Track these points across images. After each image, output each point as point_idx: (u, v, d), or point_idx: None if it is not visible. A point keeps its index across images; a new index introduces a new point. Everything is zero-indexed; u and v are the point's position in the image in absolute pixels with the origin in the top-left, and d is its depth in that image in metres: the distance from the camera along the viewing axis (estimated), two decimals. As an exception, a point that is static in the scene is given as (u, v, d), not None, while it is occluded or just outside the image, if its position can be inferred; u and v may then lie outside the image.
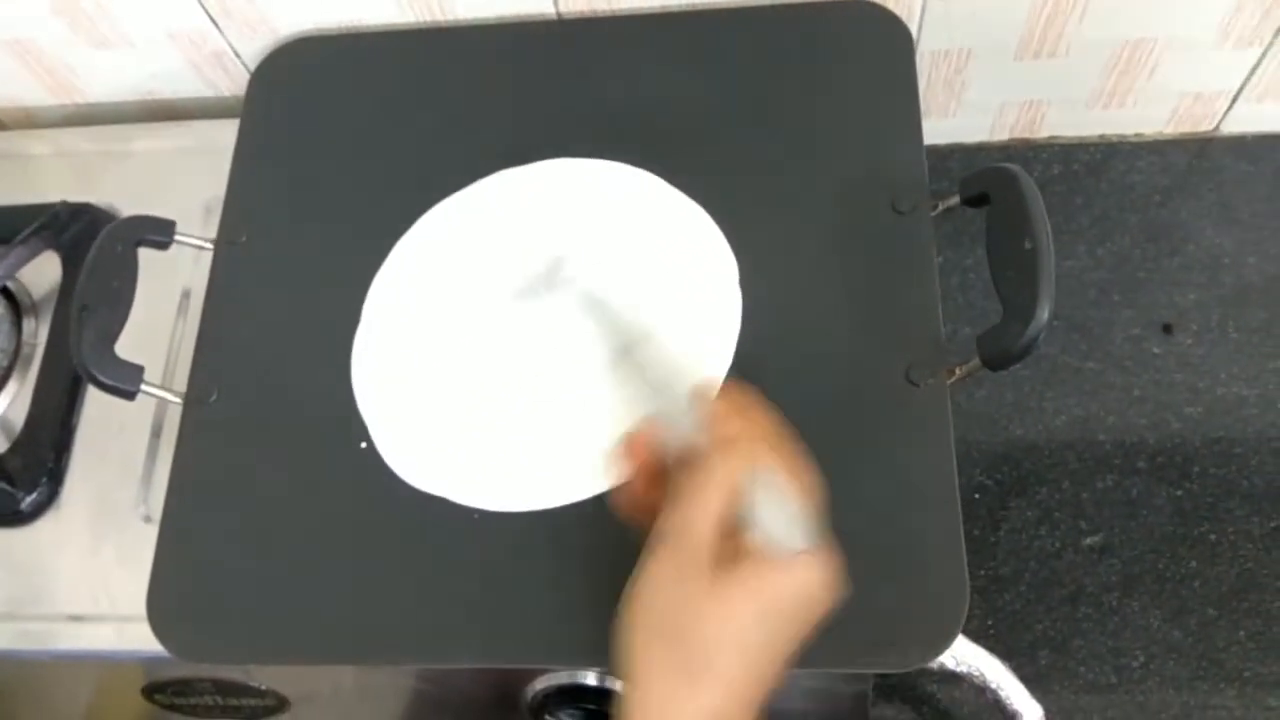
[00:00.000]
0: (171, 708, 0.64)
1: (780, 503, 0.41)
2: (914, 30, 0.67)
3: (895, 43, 0.63)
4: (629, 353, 0.51)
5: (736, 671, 0.40)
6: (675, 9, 0.68)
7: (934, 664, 0.56)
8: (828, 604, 0.42)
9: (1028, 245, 0.50)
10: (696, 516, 0.41)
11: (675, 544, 0.41)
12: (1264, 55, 0.69)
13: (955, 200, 0.56)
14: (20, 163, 0.75)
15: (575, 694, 0.55)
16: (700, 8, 0.68)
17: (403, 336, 0.59)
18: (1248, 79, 0.71)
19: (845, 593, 0.42)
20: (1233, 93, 0.72)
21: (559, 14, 0.69)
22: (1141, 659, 0.62)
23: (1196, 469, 0.66)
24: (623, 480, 0.46)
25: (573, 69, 0.67)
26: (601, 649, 0.52)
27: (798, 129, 0.61)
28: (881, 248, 0.57)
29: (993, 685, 0.56)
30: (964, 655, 0.56)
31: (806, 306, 0.57)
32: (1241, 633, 0.62)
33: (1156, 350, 0.69)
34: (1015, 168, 0.53)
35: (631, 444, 0.45)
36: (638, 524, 0.45)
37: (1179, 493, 0.65)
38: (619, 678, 0.42)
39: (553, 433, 0.55)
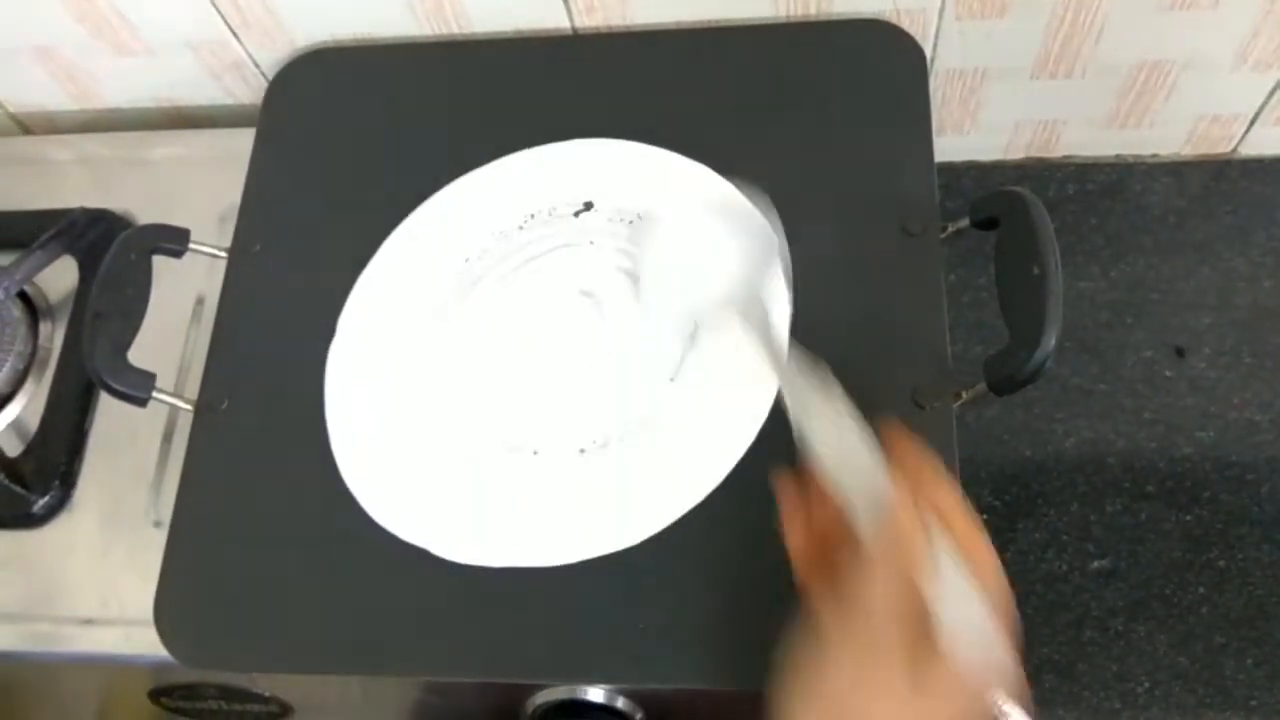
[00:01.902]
0: (177, 711, 0.65)
1: (968, 596, 0.39)
2: (928, 49, 0.67)
3: (908, 62, 0.63)
4: (805, 397, 0.45)
5: None
6: (689, 25, 0.68)
7: (935, 687, 0.56)
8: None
9: (1036, 271, 0.50)
10: (888, 600, 0.39)
11: (865, 625, 0.39)
12: (1283, 79, 0.68)
13: (965, 223, 0.56)
14: (41, 167, 0.75)
15: (575, 709, 0.55)
16: (714, 24, 0.68)
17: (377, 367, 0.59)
18: (1266, 102, 0.70)
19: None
20: (1250, 115, 0.71)
21: (574, 28, 0.70)
22: (1147, 685, 0.61)
23: (1207, 494, 0.65)
24: (793, 532, 0.43)
25: (587, 83, 0.67)
26: (600, 665, 0.52)
27: (809, 148, 0.61)
28: (890, 269, 0.57)
29: (995, 712, 0.56)
30: (966, 679, 0.56)
31: (814, 326, 0.56)
32: (1249, 661, 0.61)
33: (1168, 373, 0.69)
34: (1025, 192, 0.53)
35: (807, 493, 0.42)
36: (802, 573, 0.43)
37: (1188, 518, 0.65)
38: None
39: (542, 489, 0.54)
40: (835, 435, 0.42)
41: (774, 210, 0.53)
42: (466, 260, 0.62)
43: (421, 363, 0.59)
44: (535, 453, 0.55)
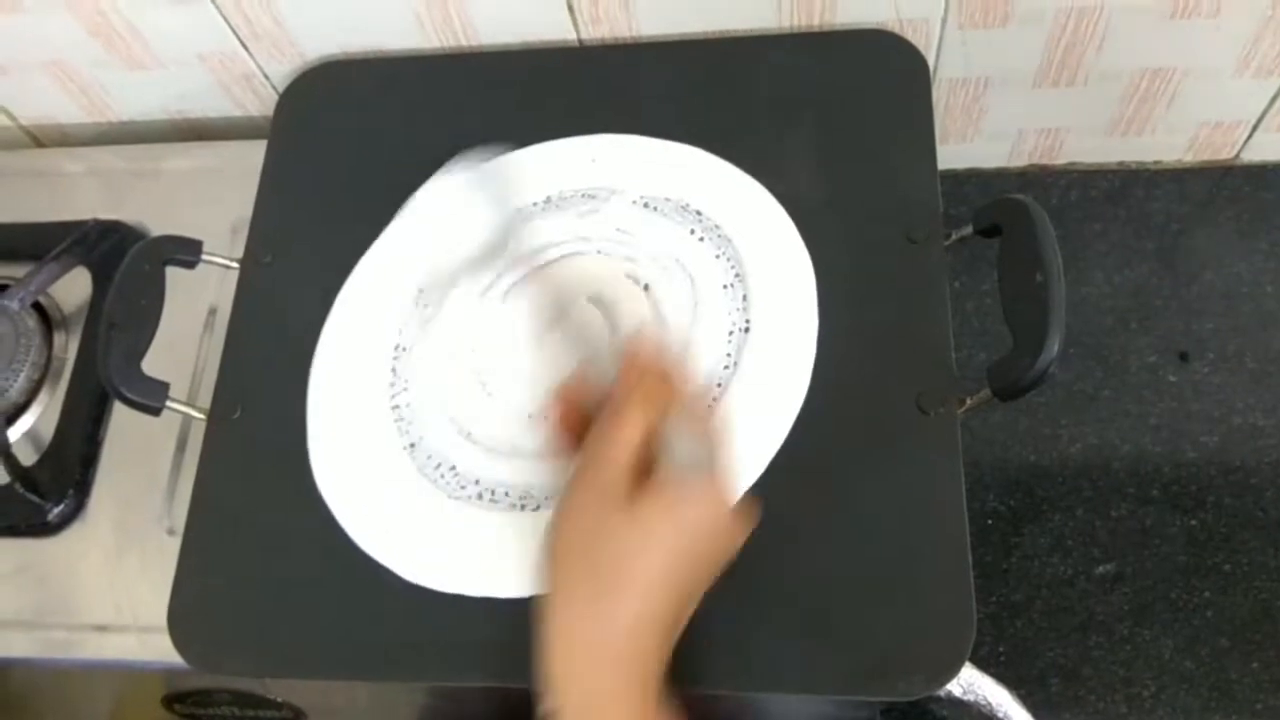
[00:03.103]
0: (190, 717, 0.65)
1: (691, 439, 0.44)
2: (931, 59, 0.68)
3: (911, 72, 0.64)
4: (565, 315, 0.53)
5: (647, 590, 0.42)
6: (695, 36, 0.69)
7: (941, 692, 0.57)
8: (737, 535, 0.45)
9: (1038, 278, 0.51)
10: (612, 447, 0.44)
11: (593, 473, 0.44)
12: (1284, 85, 0.69)
13: (969, 230, 0.57)
14: (54, 180, 0.76)
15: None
16: (719, 35, 0.68)
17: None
18: (1267, 108, 0.70)
19: (751, 525, 0.46)
20: (1252, 122, 0.72)
21: (580, 40, 0.70)
22: (1153, 689, 0.62)
23: (1211, 499, 0.66)
24: (553, 428, 0.48)
25: (594, 94, 0.68)
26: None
27: (813, 157, 0.62)
28: (894, 276, 0.58)
29: (1000, 714, 0.56)
30: (972, 684, 0.56)
31: (820, 333, 0.57)
32: (1254, 664, 0.62)
33: (1173, 379, 0.69)
34: (1028, 200, 0.53)
35: (560, 393, 0.48)
36: (560, 446, 0.48)
37: (1193, 522, 0.65)
38: (540, 605, 0.44)
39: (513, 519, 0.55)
40: (589, 320, 0.52)
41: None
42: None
43: (433, 378, 0.60)
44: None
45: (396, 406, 0.59)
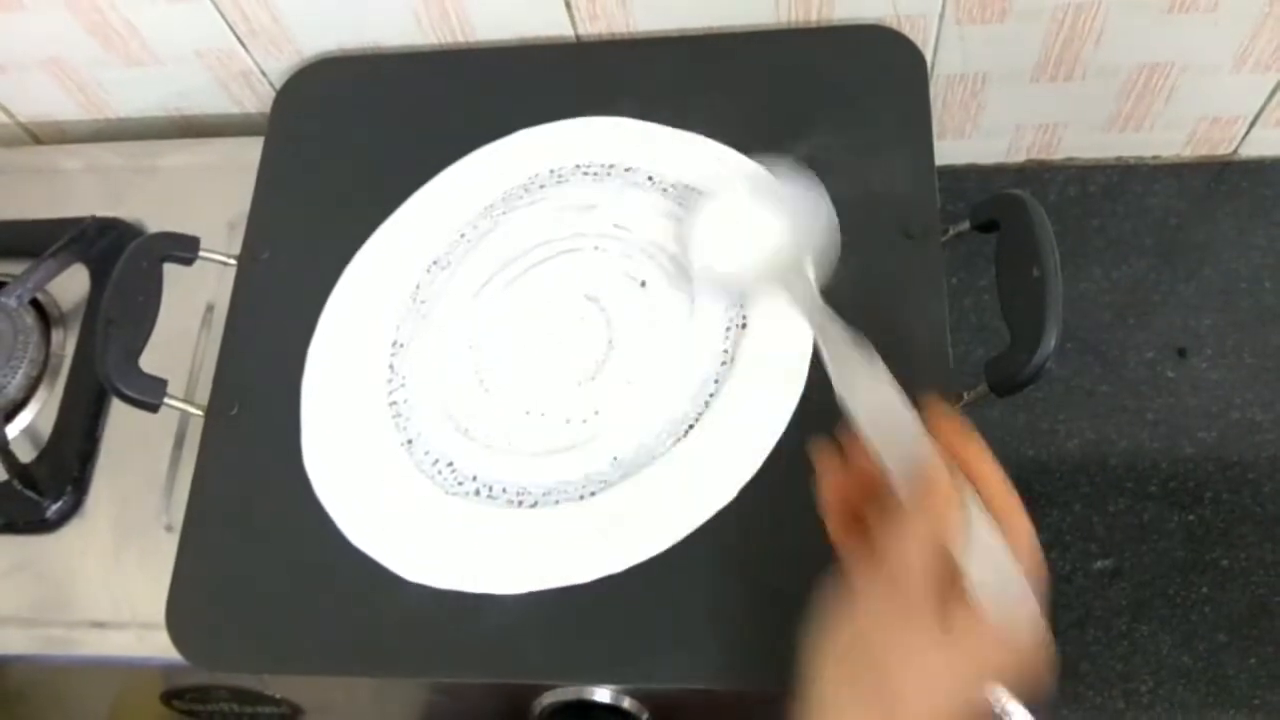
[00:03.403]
0: (189, 714, 0.65)
1: (1001, 558, 0.40)
2: (929, 54, 0.68)
3: (909, 67, 0.64)
4: (848, 364, 0.45)
5: (922, 710, 0.40)
6: (692, 32, 0.69)
7: (939, 687, 0.56)
8: (1025, 674, 0.41)
9: (1036, 273, 0.51)
10: (921, 557, 0.39)
11: (899, 581, 0.40)
12: (1282, 80, 0.69)
13: (966, 226, 0.57)
14: (52, 177, 0.76)
15: (582, 709, 0.55)
16: (716, 30, 0.68)
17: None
18: (1266, 103, 0.70)
19: (1048, 662, 0.42)
20: (1251, 117, 0.72)
21: (578, 35, 0.70)
22: (1150, 684, 0.62)
23: (1209, 494, 0.66)
24: (830, 494, 0.44)
25: (591, 89, 0.68)
26: (607, 665, 0.53)
27: (810, 152, 0.62)
28: (892, 272, 0.58)
29: (997, 709, 0.56)
30: (969, 678, 0.56)
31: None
32: (1252, 660, 0.62)
33: (1171, 374, 0.69)
34: (1025, 195, 0.53)
35: (845, 457, 0.43)
36: (836, 533, 0.44)
37: (1191, 518, 0.65)
38: (803, 697, 0.41)
39: (555, 514, 0.55)
40: (875, 400, 0.43)
41: (817, 181, 0.53)
42: (435, 262, 0.63)
43: (423, 376, 0.60)
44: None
45: (394, 403, 0.59)
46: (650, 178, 0.62)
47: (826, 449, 0.44)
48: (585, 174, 0.63)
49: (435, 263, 0.62)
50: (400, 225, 0.64)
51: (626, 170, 0.63)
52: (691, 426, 0.55)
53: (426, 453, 0.57)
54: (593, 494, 0.54)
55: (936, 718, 0.40)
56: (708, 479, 0.54)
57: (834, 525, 0.44)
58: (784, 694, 0.42)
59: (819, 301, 0.48)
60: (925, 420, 0.43)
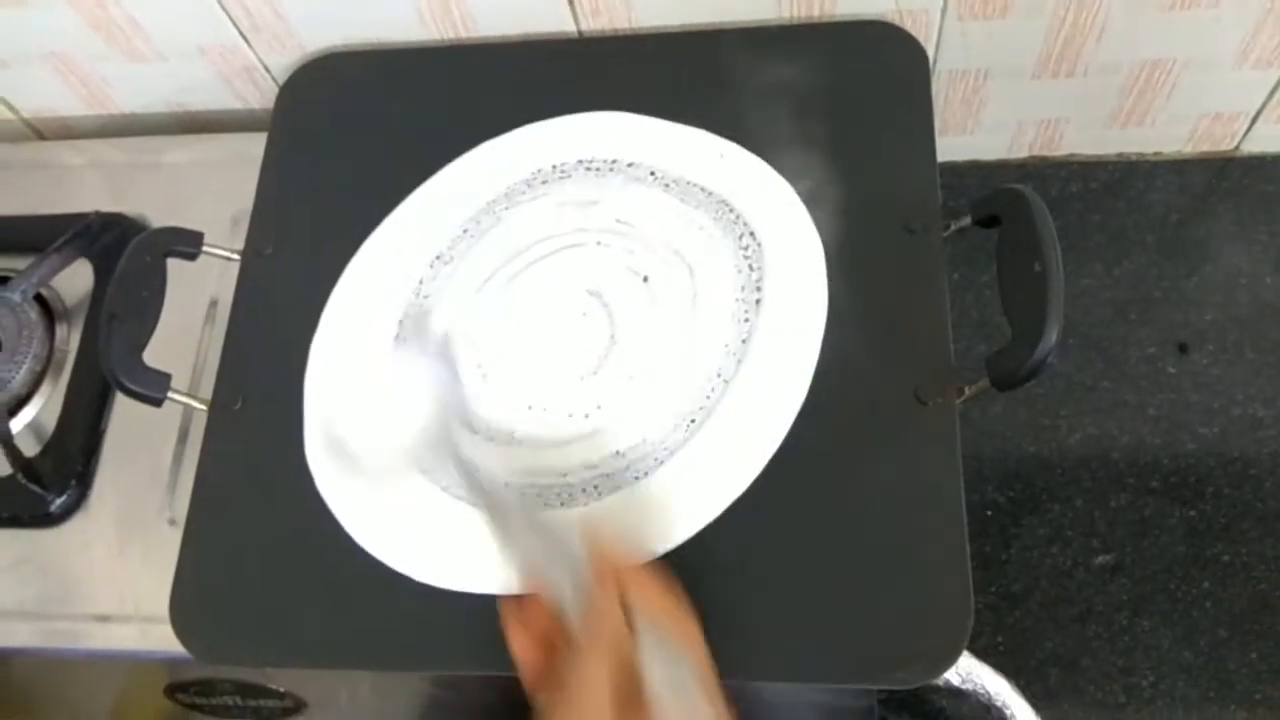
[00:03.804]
0: (193, 707, 0.65)
1: (672, 660, 0.42)
2: (931, 50, 0.68)
3: (911, 63, 0.64)
4: (504, 519, 0.49)
5: None
6: (694, 28, 0.69)
7: (940, 680, 0.57)
8: None
9: (1037, 268, 0.51)
10: (597, 679, 0.42)
11: (581, 705, 0.42)
12: (1284, 77, 0.69)
13: (967, 221, 0.57)
14: (56, 173, 0.77)
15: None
16: (719, 26, 0.69)
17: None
18: (1267, 100, 0.70)
19: None
20: (1252, 113, 0.72)
21: (580, 31, 0.70)
22: (1151, 679, 0.62)
23: (1210, 489, 0.66)
24: (518, 648, 0.46)
25: (594, 85, 0.68)
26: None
27: (812, 147, 0.62)
28: (893, 266, 0.58)
29: (998, 703, 0.57)
30: (970, 673, 0.56)
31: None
32: (1253, 654, 0.62)
33: (1172, 370, 0.69)
34: (1026, 190, 0.53)
35: (523, 611, 0.46)
36: (530, 682, 0.45)
37: (1192, 513, 0.65)
38: None
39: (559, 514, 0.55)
40: (534, 546, 0.47)
41: (448, 352, 0.57)
42: (438, 257, 0.63)
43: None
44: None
45: None
46: (652, 173, 0.62)
47: (508, 603, 0.47)
48: (588, 169, 0.64)
49: (438, 258, 0.63)
50: (403, 221, 0.64)
51: (629, 165, 0.63)
52: (694, 421, 0.55)
53: (474, 429, 0.57)
54: (600, 494, 0.54)
55: None
56: (712, 479, 0.54)
57: (526, 675, 0.46)
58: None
59: (468, 464, 0.52)
60: (586, 554, 0.45)
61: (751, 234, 0.59)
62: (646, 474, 0.54)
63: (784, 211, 0.60)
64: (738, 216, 0.60)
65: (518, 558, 0.48)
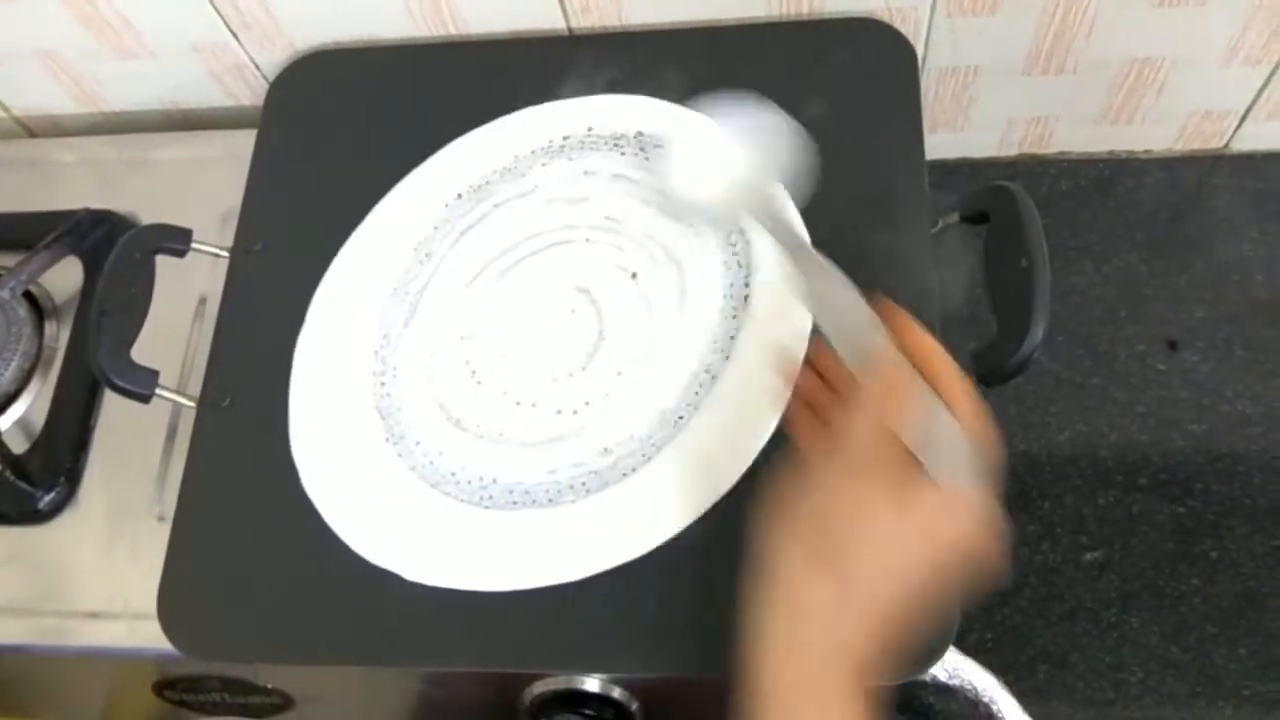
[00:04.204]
0: (181, 704, 0.65)
1: (952, 438, 0.42)
2: (920, 48, 0.68)
3: (900, 60, 0.64)
4: (809, 265, 0.47)
5: (876, 576, 0.41)
6: (683, 24, 0.69)
7: (927, 676, 0.57)
8: (979, 548, 0.42)
9: (1024, 264, 0.51)
10: (876, 435, 0.41)
11: (855, 458, 0.42)
12: (1272, 74, 0.69)
13: (955, 218, 0.57)
14: (46, 170, 0.77)
15: (572, 699, 0.55)
16: (708, 23, 0.69)
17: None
18: (1256, 98, 0.71)
19: (1000, 538, 0.42)
20: (1242, 111, 0.72)
21: (570, 28, 0.70)
22: (1140, 675, 0.62)
23: (1199, 486, 0.66)
24: (792, 401, 0.46)
25: (583, 83, 0.68)
26: (596, 655, 0.53)
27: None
28: (880, 263, 0.57)
29: (985, 699, 0.57)
30: (957, 669, 0.56)
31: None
32: (1241, 650, 0.62)
33: (1161, 367, 0.69)
34: (1013, 186, 0.54)
35: (816, 356, 0.47)
36: (803, 437, 0.46)
37: (1181, 510, 0.66)
38: (759, 569, 0.43)
39: (549, 513, 0.54)
40: (836, 301, 0.45)
41: (775, 106, 0.53)
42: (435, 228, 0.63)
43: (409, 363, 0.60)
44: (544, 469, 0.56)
45: (383, 395, 0.59)
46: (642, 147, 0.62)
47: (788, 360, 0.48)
48: (577, 144, 0.64)
49: (429, 255, 0.63)
50: (384, 217, 0.64)
51: (615, 136, 0.63)
52: (682, 418, 0.55)
53: (418, 443, 0.57)
54: (587, 492, 0.54)
55: (889, 583, 0.42)
56: (701, 475, 0.53)
57: (795, 416, 0.47)
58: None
59: (787, 222, 0.50)
60: (882, 318, 0.44)
61: (740, 230, 0.59)
62: (634, 470, 0.54)
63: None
64: None
65: (817, 307, 0.46)
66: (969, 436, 0.42)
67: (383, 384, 0.60)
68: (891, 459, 0.41)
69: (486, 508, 0.55)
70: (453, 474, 0.56)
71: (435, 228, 0.63)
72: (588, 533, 0.53)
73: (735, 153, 0.49)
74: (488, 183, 0.64)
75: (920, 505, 0.41)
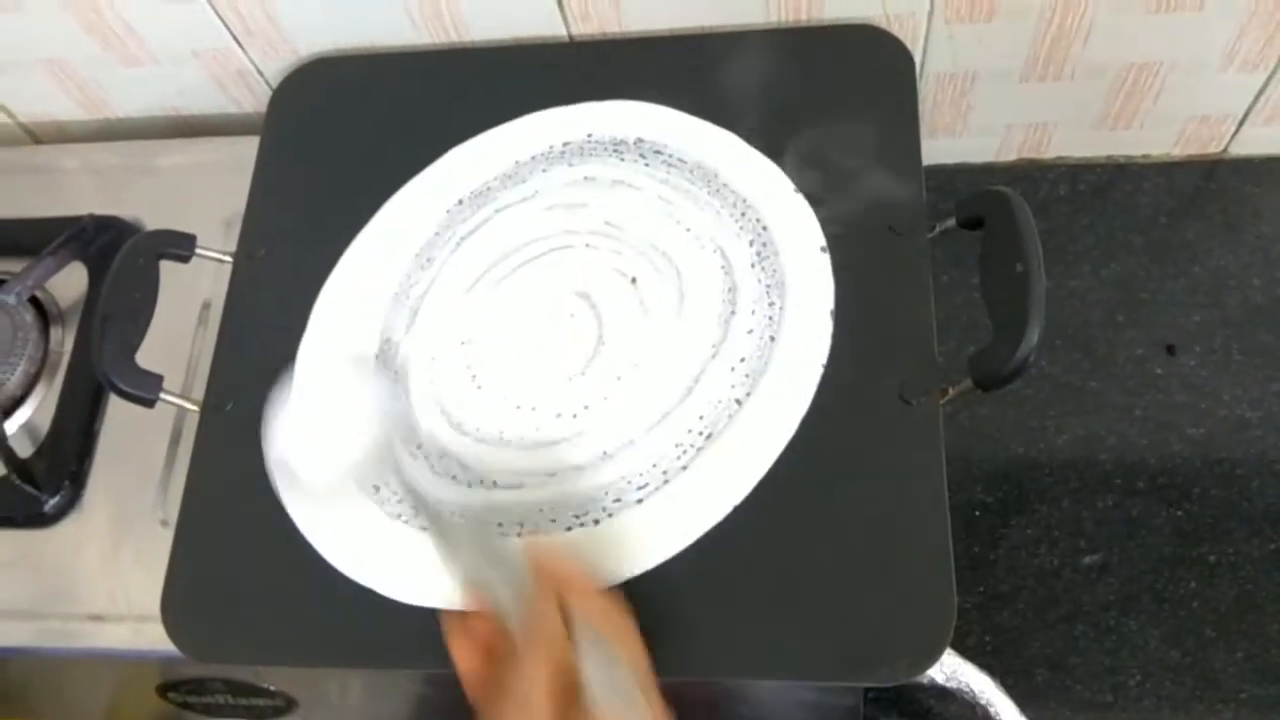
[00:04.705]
0: (185, 706, 0.66)
1: (610, 662, 0.43)
2: (918, 54, 0.68)
3: (897, 66, 0.64)
4: (447, 534, 0.50)
5: None
6: (682, 31, 0.69)
7: (924, 679, 0.57)
8: None
9: (1019, 268, 0.51)
10: (539, 683, 0.42)
11: (522, 710, 0.42)
12: (1270, 79, 0.69)
13: (951, 223, 0.57)
14: (52, 176, 0.77)
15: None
16: (707, 30, 0.69)
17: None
18: (1254, 102, 0.71)
19: None
20: (1239, 116, 0.72)
21: (571, 36, 0.71)
22: (1138, 678, 0.62)
23: (1197, 490, 0.66)
24: (461, 657, 0.46)
25: (584, 89, 0.68)
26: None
27: (798, 150, 0.62)
28: (878, 267, 0.58)
29: (983, 701, 0.57)
30: (955, 671, 0.57)
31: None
32: (1239, 654, 0.62)
33: (1159, 371, 0.70)
34: (1009, 191, 0.54)
35: (465, 622, 0.46)
36: (473, 691, 0.46)
37: (1179, 513, 0.66)
38: None
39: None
40: (478, 556, 0.48)
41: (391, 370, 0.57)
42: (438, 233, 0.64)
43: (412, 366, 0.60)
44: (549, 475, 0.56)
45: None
46: (640, 139, 0.63)
47: (451, 616, 0.48)
48: (577, 150, 0.64)
49: (430, 261, 0.63)
50: (386, 223, 0.65)
51: (615, 142, 0.64)
52: (704, 433, 0.55)
53: (419, 446, 0.58)
54: (596, 522, 0.54)
55: None
56: (711, 493, 0.54)
57: (470, 684, 0.46)
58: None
59: (410, 488, 0.52)
60: (527, 563, 0.46)
61: (746, 232, 0.60)
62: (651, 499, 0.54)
63: (796, 218, 0.61)
64: (733, 211, 0.60)
65: (460, 571, 0.48)
66: (625, 657, 0.44)
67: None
68: (556, 702, 0.42)
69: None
70: (453, 477, 0.57)
71: (436, 233, 0.64)
72: (599, 556, 0.53)
73: (345, 431, 0.51)
74: (488, 188, 0.64)
75: None
